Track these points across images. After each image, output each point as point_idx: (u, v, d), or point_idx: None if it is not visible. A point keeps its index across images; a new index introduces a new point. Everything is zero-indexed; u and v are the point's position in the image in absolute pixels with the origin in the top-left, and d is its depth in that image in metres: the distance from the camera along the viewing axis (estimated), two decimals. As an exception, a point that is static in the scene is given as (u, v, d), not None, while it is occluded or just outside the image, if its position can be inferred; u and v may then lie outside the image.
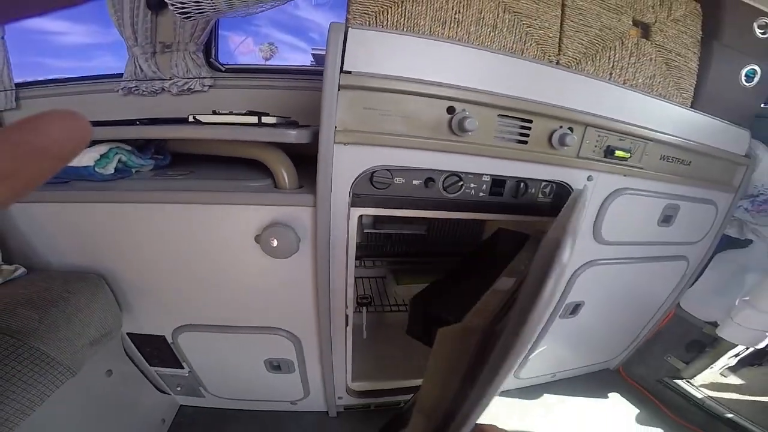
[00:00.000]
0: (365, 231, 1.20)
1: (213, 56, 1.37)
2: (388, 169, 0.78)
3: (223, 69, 1.37)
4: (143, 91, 1.32)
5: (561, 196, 0.90)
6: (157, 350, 1.01)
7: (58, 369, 0.72)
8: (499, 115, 0.77)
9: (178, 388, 1.14)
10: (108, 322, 0.84)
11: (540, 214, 0.91)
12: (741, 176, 1.12)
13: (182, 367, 1.06)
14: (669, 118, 0.91)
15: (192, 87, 1.31)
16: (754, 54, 1.01)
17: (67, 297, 0.77)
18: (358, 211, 0.82)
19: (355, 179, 0.77)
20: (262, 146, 0.82)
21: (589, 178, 0.88)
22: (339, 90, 0.69)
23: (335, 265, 0.85)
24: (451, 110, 0.74)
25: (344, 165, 0.75)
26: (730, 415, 1.24)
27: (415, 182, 0.81)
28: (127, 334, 0.97)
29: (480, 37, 0.79)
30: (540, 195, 0.89)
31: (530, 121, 0.79)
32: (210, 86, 1.33)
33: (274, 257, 0.79)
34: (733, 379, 1.47)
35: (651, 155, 0.91)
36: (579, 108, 0.81)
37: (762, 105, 1.11)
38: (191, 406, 1.24)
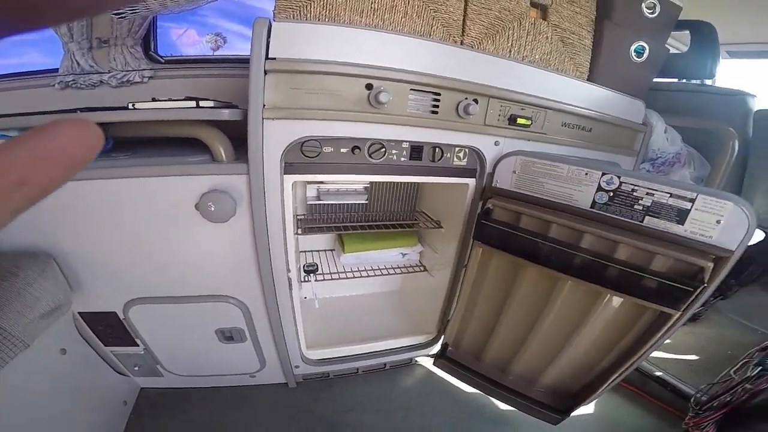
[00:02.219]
0: (309, 203, 1.29)
1: (152, 49, 1.41)
2: (316, 140, 0.89)
3: (163, 61, 1.42)
4: (81, 84, 1.34)
5: (474, 159, 1.03)
6: (110, 328, 1.05)
7: (10, 340, 0.76)
8: (411, 90, 0.89)
9: (136, 368, 1.18)
10: (58, 296, 0.88)
11: (457, 176, 1.05)
12: (640, 142, 1.29)
13: (137, 344, 1.11)
14: (566, 90, 1.05)
15: (131, 79, 1.35)
16: (642, 32, 1.17)
17: (16, 272, 0.82)
18: (291, 178, 0.92)
19: (285, 149, 0.87)
20: (199, 126, 0.90)
21: (496, 143, 1.01)
22: (266, 74, 0.79)
23: (273, 228, 0.94)
24: (369, 87, 0.85)
25: (274, 137, 0.85)
26: (659, 373, 1.38)
27: (342, 150, 0.92)
28: (79, 313, 1.01)
29: (393, 22, 0.89)
30: (455, 159, 1.01)
31: (439, 94, 0.91)
32: (150, 78, 1.37)
33: (213, 222, 0.87)
34: None
35: (552, 122, 1.05)
36: (481, 82, 0.93)
37: (654, 79, 1.28)
38: (152, 388, 1.28)
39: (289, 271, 1.03)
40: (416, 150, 0.97)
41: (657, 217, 0.78)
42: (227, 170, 0.88)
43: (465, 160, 1.03)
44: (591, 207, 0.85)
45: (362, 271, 1.40)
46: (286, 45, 0.79)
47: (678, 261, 0.76)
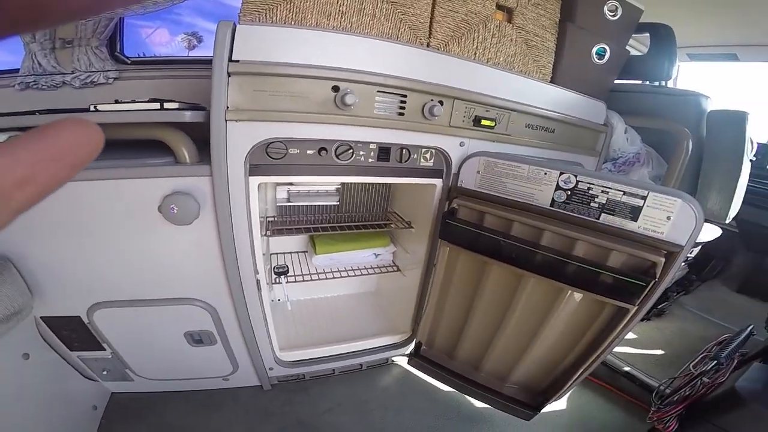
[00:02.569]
0: (279, 205, 1.28)
1: (118, 50, 1.37)
2: (281, 141, 0.88)
3: (129, 62, 1.38)
4: (42, 85, 1.29)
5: (440, 160, 1.05)
6: (74, 333, 1.02)
7: (-30, 343, 0.74)
8: (378, 91, 0.89)
9: (104, 372, 1.15)
10: (17, 301, 0.86)
11: (424, 177, 1.06)
12: (602, 142, 1.33)
13: (103, 349, 1.08)
14: (530, 92, 1.08)
15: (95, 80, 1.31)
16: (604, 34, 1.21)
17: (-27, 276, 0.79)
18: (257, 180, 0.91)
19: (250, 151, 0.86)
20: (163, 128, 0.88)
21: (461, 144, 1.03)
22: (229, 76, 0.79)
23: (239, 230, 0.93)
24: (335, 89, 0.85)
25: (238, 139, 0.84)
26: (627, 368, 1.43)
27: (309, 152, 0.91)
28: (42, 318, 0.98)
29: (361, 25, 0.89)
30: (422, 160, 1.03)
31: (405, 96, 0.92)
32: (115, 78, 1.33)
33: (177, 224, 0.86)
34: (628, 334, 1.69)
35: (516, 124, 1.08)
36: (446, 83, 0.94)
37: (615, 80, 1.33)
38: (124, 393, 1.24)
39: (257, 272, 1.02)
40: (384, 151, 0.97)
41: (612, 214, 0.81)
42: (190, 172, 0.86)
43: (431, 161, 1.04)
44: (550, 205, 0.87)
45: (335, 272, 1.39)
46: (251, 48, 0.79)
47: (632, 257, 0.80)
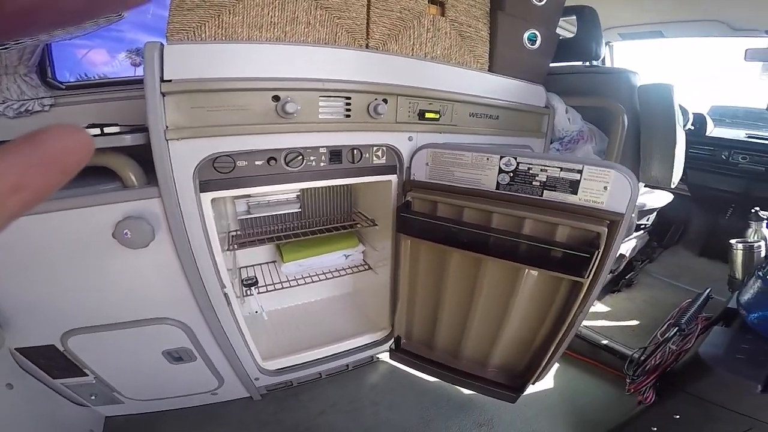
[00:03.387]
0: (240, 218, 1.26)
1: (50, 75, 1.31)
2: (228, 155, 0.87)
3: (63, 87, 1.32)
4: (-28, 117, 1.22)
5: (392, 156, 1.07)
6: (52, 361, 1.00)
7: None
8: (321, 97, 0.90)
9: (93, 397, 1.13)
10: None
11: (378, 174, 1.07)
12: (546, 124, 1.38)
13: (86, 374, 1.05)
14: (469, 82, 1.11)
15: (30, 108, 1.24)
16: (533, 20, 1.25)
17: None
18: (209, 195, 0.90)
19: (196, 168, 0.85)
20: (106, 153, 0.85)
21: (409, 139, 1.05)
22: (165, 96, 0.78)
23: (197, 247, 0.92)
24: (276, 98, 0.85)
25: (182, 157, 0.83)
26: (605, 342, 1.46)
27: (257, 163, 0.91)
28: (16, 349, 0.95)
29: (296, 34, 0.89)
30: (374, 158, 1.04)
31: (349, 98, 0.93)
32: (51, 105, 1.27)
33: (133, 248, 0.84)
34: (601, 307, 1.72)
35: (460, 114, 1.11)
36: (388, 81, 0.96)
37: (550, 64, 1.39)
38: (118, 416, 1.22)
39: (224, 287, 1.01)
40: (335, 154, 0.98)
41: (554, 190, 0.84)
42: (138, 195, 0.84)
43: (384, 158, 1.06)
44: (496, 188, 0.90)
45: (307, 277, 1.38)
46: (182, 66, 0.78)
47: (576, 229, 0.83)
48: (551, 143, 1.42)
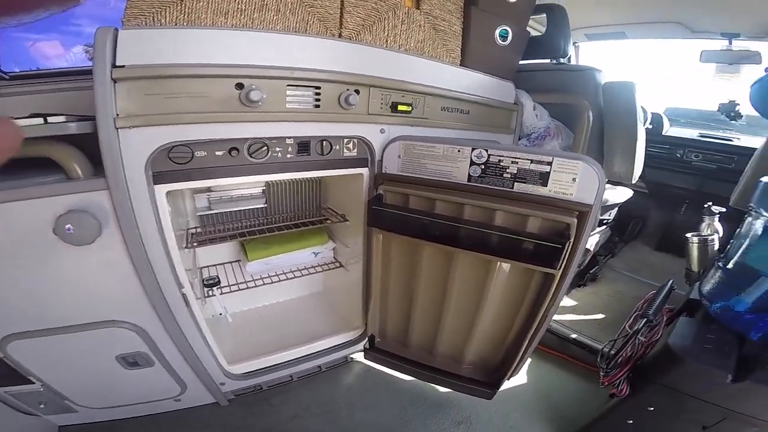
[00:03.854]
0: (199, 215, 1.18)
1: (-9, 65, 1.19)
2: (185, 144, 0.81)
3: (8, 77, 1.21)
4: None
5: (363, 149, 1.03)
6: None
7: None
8: (289, 85, 0.85)
9: (42, 406, 1.03)
10: None
11: (349, 167, 1.04)
12: (515, 120, 1.39)
13: (32, 382, 0.96)
14: (441, 76, 1.10)
15: (-33, 98, 1.12)
16: (505, 16, 1.25)
17: None
18: (164, 188, 0.83)
19: (149, 158, 0.78)
20: (47, 143, 0.77)
21: (381, 131, 1.02)
22: (116, 82, 0.72)
23: (151, 244, 0.85)
24: (239, 86, 0.80)
25: (133, 146, 0.76)
26: (574, 336, 1.47)
27: (218, 153, 0.85)
28: None
29: (264, 21, 0.84)
30: (345, 150, 1.00)
31: (319, 88, 0.89)
32: (-7, 96, 1.15)
33: (77, 245, 0.76)
34: (568, 301, 1.75)
35: (432, 107, 1.09)
36: (360, 72, 0.93)
37: (520, 61, 1.40)
38: (71, 425, 1.12)
39: (181, 287, 0.94)
40: (303, 145, 0.93)
41: (524, 182, 0.84)
42: (83, 187, 0.77)
43: (355, 150, 1.02)
44: (468, 181, 0.89)
45: (273, 276, 1.32)
46: (137, 52, 0.72)
47: (547, 221, 0.83)
48: (519, 139, 1.43)
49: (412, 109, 1.03)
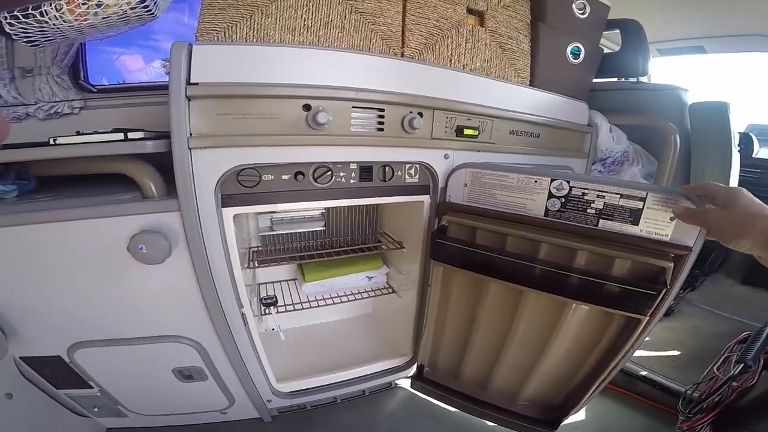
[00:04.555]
0: (262, 234, 1.19)
1: (82, 77, 1.29)
2: (253, 168, 0.80)
3: (95, 90, 1.30)
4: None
5: (426, 175, 0.97)
6: (57, 372, 0.95)
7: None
8: (354, 107, 0.83)
9: (96, 409, 1.07)
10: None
11: (411, 194, 0.98)
12: (588, 143, 1.27)
13: (90, 387, 1.00)
14: (510, 97, 1.03)
15: (60, 111, 1.22)
16: (576, 33, 1.16)
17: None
18: (231, 211, 0.83)
19: (219, 180, 0.78)
20: (126, 160, 0.80)
21: (445, 157, 0.95)
22: (190, 100, 0.72)
23: (216, 266, 0.85)
24: (307, 107, 0.78)
25: (205, 168, 0.76)
26: (644, 373, 1.34)
27: (284, 177, 0.83)
28: (21, 358, 0.90)
29: (329, 39, 0.83)
30: (407, 176, 0.95)
31: (383, 110, 0.85)
32: (81, 108, 1.25)
33: (149, 264, 0.77)
34: None
35: (500, 131, 1.01)
36: (424, 94, 0.88)
37: (594, 80, 1.28)
38: (120, 428, 1.15)
39: (241, 307, 0.93)
40: (366, 170, 0.90)
41: (611, 220, 0.73)
42: (156, 208, 0.78)
43: (417, 176, 0.97)
44: (545, 215, 0.80)
45: (327, 299, 1.30)
46: (210, 69, 0.72)
47: (637, 263, 0.72)
48: (593, 164, 1.31)
49: (479, 133, 0.97)
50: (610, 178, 0.80)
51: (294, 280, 1.39)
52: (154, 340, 0.92)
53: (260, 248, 1.23)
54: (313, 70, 0.78)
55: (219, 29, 0.77)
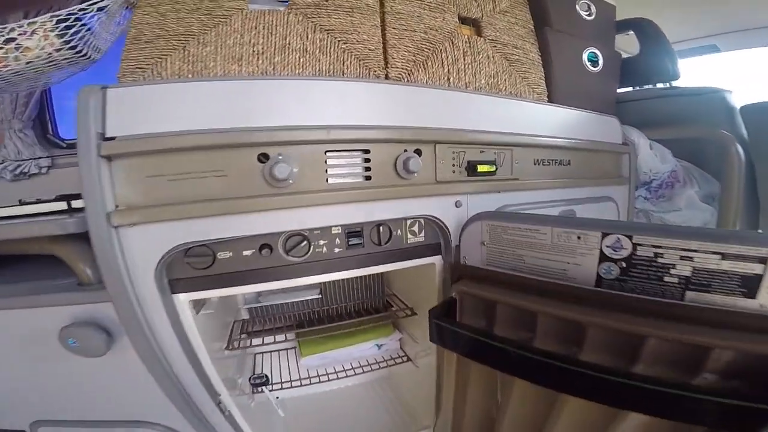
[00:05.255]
0: (246, 307, 0.98)
1: (51, 131, 1.14)
2: (204, 245, 0.60)
3: (64, 145, 1.15)
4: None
5: (434, 231, 0.74)
6: None
7: None
8: (328, 152, 0.62)
9: None
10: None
11: (416, 257, 0.74)
12: (627, 166, 1.03)
13: None
14: (529, 118, 0.81)
15: (26, 170, 1.08)
16: (588, 36, 0.97)
17: None
18: (186, 297, 0.62)
19: (159, 264, 0.58)
20: (55, 240, 0.62)
21: (457, 204, 0.72)
22: (111, 161, 0.54)
23: (174, 358, 0.65)
24: (264, 157, 0.58)
25: (138, 250, 0.57)
26: None
27: (246, 253, 0.62)
28: None
29: (288, 65, 0.64)
30: (409, 235, 0.72)
31: (368, 151, 0.64)
32: (48, 167, 1.10)
33: (85, 356, 0.62)
34: None
35: (522, 163, 0.79)
36: (421, 125, 0.67)
37: (618, 90, 1.07)
38: None
39: (217, 396, 0.72)
40: (353, 235, 0.67)
41: (706, 291, 0.48)
42: (89, 297, 0.60)
43: (422, 234, 0.73)
44: (596, 285, 0.55)
45: (331, 373, 1.06)
46: (131, 117, 0.54)
47: (749, 356, 0.46)
48: (636, 189, 1.06)
49: (497, 168, 0.74)
50: (700, 229, 0.51)
51: (293, 348, 1.16)
52: (123, 425, 0.75)
53: (248, 321, 1.02)
54: (269, 106, 0.59)
55: (146, 66, 0.60)
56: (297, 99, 0.60)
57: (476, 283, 0.64)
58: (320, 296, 1.01)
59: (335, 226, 0.66)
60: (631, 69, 1.24)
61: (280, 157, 0.57)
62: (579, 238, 0.55)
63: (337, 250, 0.67)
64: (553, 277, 0.58)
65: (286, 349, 1.14)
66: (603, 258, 0.54)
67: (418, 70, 0.72)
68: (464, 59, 0.77)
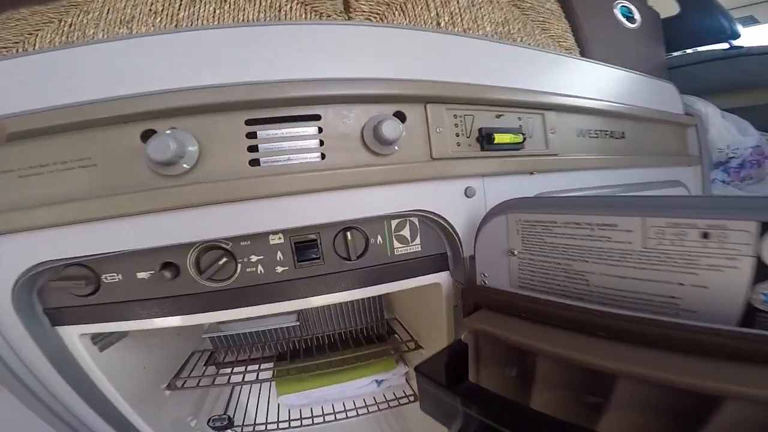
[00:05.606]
0: (204, 336, 0.73)
1: None
2: (81, 264, 0.36)
3: None
4: None
5: (434, 234, 0.45)
6: None
7: None
8: (248, 121, 0.36)
9: None
10: None
11: (409, 276, 0.45)
12: (695, 140, 0.72)
13: None
14: (562, 74, 0.53)
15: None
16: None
17: None
18: (75, 330, 0.39)
19: (15, 287, 0.35)
20: None
21: (468, 192, 0.44)
22: None
23: (71, 401, 0.42)
24: (148, 134, 0.34)
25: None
26: None
27: (141, 275, 0.38)
28: None
29: (198, 20, 0.42)
30: (397, 243, 0.44)
31: (318, 117, 0.38)
32: None
33: None
34: None
35: (561, 133, 0.50)
36: (400, 76, 0.40)
37: (666, 54, 0.78)
38: None
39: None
40: (305, 245, 0.41)
41: None
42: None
43: (417, 240, 0.45)
44: (744, 323, 0.25)
45: (317, 416, 0.77)
46: None
47: None
48: (710, 171, 0.74)
49: (524, 138, 0.46)
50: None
51: (273, 380, 0.87)
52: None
53: (214, 351, 0.76)
54: (161, 68, 0.35)
55: (13, 45, 0.41)
56: (203, 55, 0.36)
57: (502, 317, 0.35)
58: (297, 323, 0.73)
59: (274, 232, 0.39)
60: (676, 31, 0.94)
61: (168, 133, 0.33)
62: (706, 236, 0.26)
63: (280, 269, 0.40)
64: (648, 311, 0.28)
65: (269, 380, 0.85)
66: (763, 272, 0.25)
67: (393, 13, 0.47)
68: (458, 2, 0.51)
